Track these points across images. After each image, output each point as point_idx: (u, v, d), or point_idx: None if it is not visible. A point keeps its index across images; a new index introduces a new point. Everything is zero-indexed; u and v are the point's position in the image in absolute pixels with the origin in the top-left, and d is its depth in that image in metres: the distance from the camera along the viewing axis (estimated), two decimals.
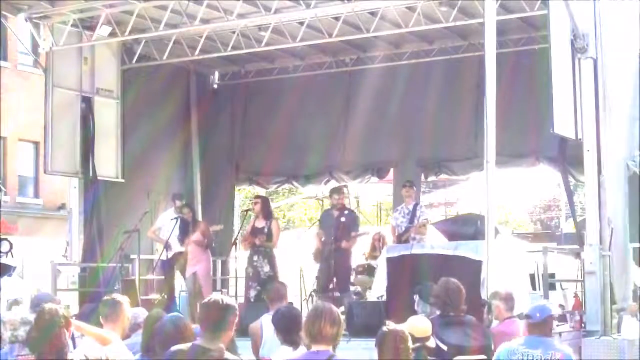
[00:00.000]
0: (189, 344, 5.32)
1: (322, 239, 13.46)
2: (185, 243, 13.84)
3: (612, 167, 10.97)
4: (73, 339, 6.49)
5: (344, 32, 14.29)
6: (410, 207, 13.11)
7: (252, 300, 12.82)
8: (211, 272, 14.07)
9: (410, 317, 7.10)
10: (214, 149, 17.33)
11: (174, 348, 5.32)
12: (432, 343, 6.67)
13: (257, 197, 14.38)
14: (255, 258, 13.14)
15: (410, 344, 5.92)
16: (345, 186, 16.08)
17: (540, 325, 6.75)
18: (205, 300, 5.40)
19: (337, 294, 12.80)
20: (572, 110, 10.86)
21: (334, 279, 13.17)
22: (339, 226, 13.11)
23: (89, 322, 6.67)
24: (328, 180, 16.66)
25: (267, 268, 13.05)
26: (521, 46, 14.61)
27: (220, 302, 5.26)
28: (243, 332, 8.20)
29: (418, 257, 11.60)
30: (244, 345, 7.55)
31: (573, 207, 14.24)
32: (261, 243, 13.06)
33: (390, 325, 5.95)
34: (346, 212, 13.43)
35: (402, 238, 12.92)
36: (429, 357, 6.60)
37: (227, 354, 5.20)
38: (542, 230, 36.59)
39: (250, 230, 13.27)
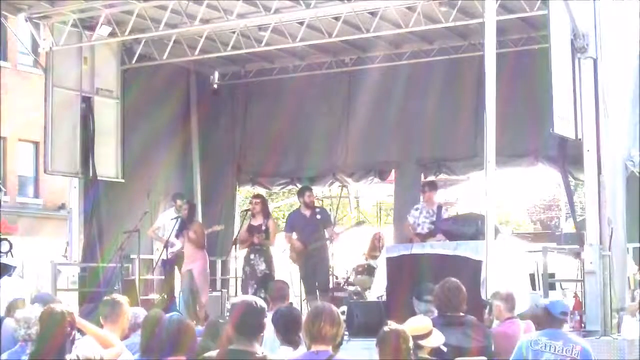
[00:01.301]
0: (223, 350, 5.29)
1: (296, 238, 13.42)
2: (181, 240, 13.84)
3: (611, 167, 10.96)
4: (72, 340, 6.47)
5: (344, 32, 14.29)
6: (435, 208, 13.02)
7: None
8: (207, 271, 14.04)
9: (409, 318, 7.11)
10: (214, 149, 17.33)
11: (208, 355, 5.31)
12: (430, 342, 6.60)
13: (257, 196, 14.38)
14: (252, 257, 13.17)
15: (411, 344, 5.91)
16: (345, 186, 16.09)
17: (561, 321, 7.49)
18: (237, 302, 5.40)
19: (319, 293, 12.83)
20: (572, 110, 10.84)
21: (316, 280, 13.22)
22: (315, 224, 13.11)
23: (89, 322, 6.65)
24: (332, 182, 16.66)
25: (263, 266, 13.08)
26: (521, 46, 14.60)
27: (255, 305, 5.27)
28: None
29: (418, 257, 11.59)
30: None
31: (573, 207, 14.23)
32: (259, 241, 13.07)
33: (391, 325, 5.95)
34: (318, 209, 13.44)
35: (426, 239, 12.79)
36: (429, 357, 6.56)
37: (269, 355, 5.22)
38: (542, 230, 36.57)
39: (247, 229, 13.28)
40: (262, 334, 5.29)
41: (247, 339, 5.15)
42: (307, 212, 13.43)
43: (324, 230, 13.35)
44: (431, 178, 17.21)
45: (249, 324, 5.19)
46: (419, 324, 6.64)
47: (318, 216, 13.21)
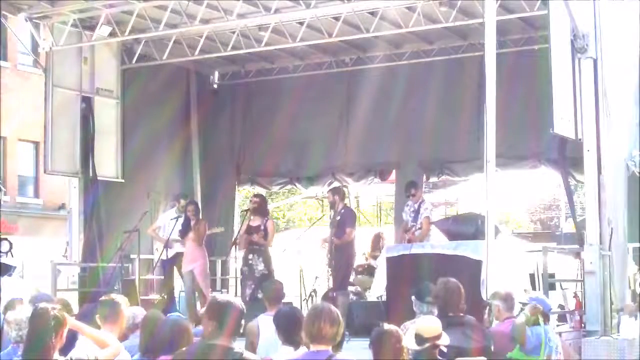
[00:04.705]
0: (200, 344, 5.43)
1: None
2: (184, 240, 13.82)
3: (612, 167, 10.96)
4: (74, 339, 6.45)
5: (344, 32, 14.29)
6: (417, 205, 13.15)
7: (247, 299, 12.82)
8: (208, 270, 14.03)
9: (420, 318, 7.14)
10: (214, 149, 17.34)
11: (184, 349, 5.42)
12: (444, 340, 6.57)
13: (257, 195, 14.35)
14: (250, 257, 13.12)
15: (404, 344, 5.90)
16: (345, 186, 16.05)
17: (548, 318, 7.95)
18: (220, 301, 5.49)
19: (332, 293, 12.77)
20: (572, 110, 10.85)
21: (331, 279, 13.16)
22: (334, 224, 13.11)
23: (88, 323, 6.65)
24: (331, 182, 16.63)
25: (261, 266, 13.03)
26: (521, 46, 14.61)
27: (236, 305, 5.41)
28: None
29: (418, 257, 11.61)
30: (239, 345, 7.51)
31: (573, 207, 14.18)
32: (258, 239, 13.05)
33: (384, 325, 5.94)
34: (343, 210, 13.43)
35: (405, 236, 12.95)
36: (439, 357, 6.54)
37: (247, 355, 5.35)
38: (542, 230, 36.56)
39: (246, 230, 13.26)
40: (234, 329, 5.42)
41: (223, 334, 5.29)
42: (333, 212, 13.44)
43: (341, 230, 13.21)
44: (434, 179, 17.27)
45: (226, 321, 5.31)
46: (427, 325, 6.58)
47: (338, 217, 13.18)
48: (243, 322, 5.46)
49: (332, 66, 16.57)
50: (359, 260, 14.48)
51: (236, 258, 14.24)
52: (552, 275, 12.33)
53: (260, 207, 13.37)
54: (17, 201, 27.49)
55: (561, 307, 12.34)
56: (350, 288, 14.01)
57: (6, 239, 13.74)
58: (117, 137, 15.03)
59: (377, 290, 13.90)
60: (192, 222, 13.76)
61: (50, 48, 14.13)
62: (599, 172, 10.83)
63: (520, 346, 7.66)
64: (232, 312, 5.33)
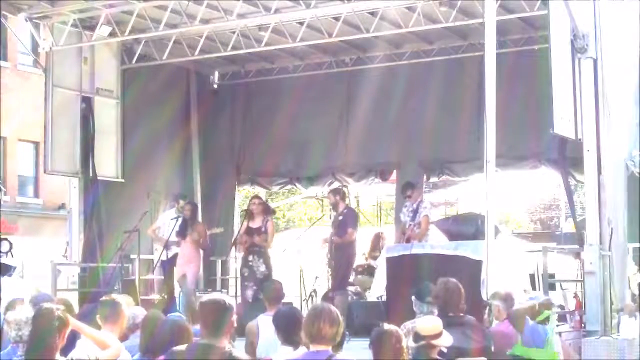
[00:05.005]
0: (192, 344, 5.46)
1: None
2: (181, 241, 13.82)
3: (612, 167, 10.97)
4: (74, 340, 6.46)
5: (344, 32, 14.29)
6: (415, 205, 13.13)
7: (249, 300, 12.82)
8: (200, 273, 14.09)
9: (420, 317, 7.15)
10: (214, 149, 17.33)
11: (177, 348, 5.40)
12: (443, 340, 6.57)
13: (257, 197, 14.35)
14: (250, 258, 13.12)
15: (404, 344, 5.90)
16: (345, 186, 16.05)
17: None
18: (206, 301, 5.49)
19: (331, 293, 12.77)
20: (572, 110, 10.86)
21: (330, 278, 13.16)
22: (335, 224, 13.12)
23: (88, 323, 6.66)
24: (331, 182, 16.64)
25: (262, 267, 13.04)
26: (521, 46, 14.61)
27: (223, 303, 5.39)
28: (241, 332, 8.20)
29: (418, 257, 11.60)
30: (239, 345, 7.54)
31: (573, 207, 14.19)
32: (260, 241, 13.05)
33: (384, 325, 5.95)
34: (345, 211, 13.43)
35: (403, 236, 12.97)
36: (437, 357, 6.53)
37: (237, 353, 5.32)
38: (542, 230, 36.54)
39: (245, 231, 13.25)
40: (231, 331, 5.44)
41: (215, 335, 5.29)
42: (335, 212, 13.44)
43: (343, 230, 13.20)
44: (434, 179, 17.25)
45: (217, 321, 5.32)
46: (432, 324, 6.59)
47: (340, 217, 13.19)
48: (235, 319, 5.44)
49: (332, 66, 16.56)
50: (359, 260, 14.47)
51: (236, 258, 14.24)
52: (552, 275, 12.34)
53: (264, 208, 13.40)
54: (17, 201, 27.51)
55: (561, 307, 12.34)
56: (350, 288, 14.01)
57: (6, 239, 13.74)
58: (117, 137, 15.03)
59: (377, 290, 13.90)
60: (189, 224, 13.78)
61: (50, 48, 14.13)
62: (599, 172, 10.83)
63: (520, 335, 7.63)
64: (219, 311, 5.33)
